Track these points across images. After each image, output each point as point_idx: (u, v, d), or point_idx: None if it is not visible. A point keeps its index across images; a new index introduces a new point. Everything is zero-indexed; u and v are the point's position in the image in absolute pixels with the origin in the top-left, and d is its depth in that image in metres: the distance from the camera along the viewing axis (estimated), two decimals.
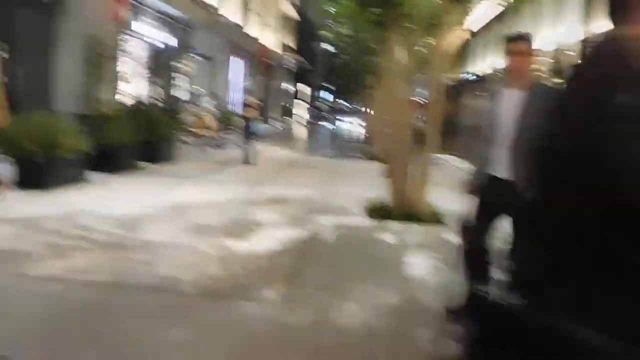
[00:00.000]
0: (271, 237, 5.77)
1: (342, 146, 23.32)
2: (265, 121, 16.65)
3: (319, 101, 74.61)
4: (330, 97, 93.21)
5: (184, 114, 16.97)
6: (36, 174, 7.21)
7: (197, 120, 15.72)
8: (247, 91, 30.66)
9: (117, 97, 14.27)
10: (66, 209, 6.25)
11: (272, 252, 5.25)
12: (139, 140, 10.49)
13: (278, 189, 9.11)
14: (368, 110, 26.76)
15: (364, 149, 19.31)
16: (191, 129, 15.82)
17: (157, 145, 11.40)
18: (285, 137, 26.42)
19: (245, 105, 13.77)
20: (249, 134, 12.87)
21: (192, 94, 15.17)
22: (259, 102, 12.99)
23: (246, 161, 12.58)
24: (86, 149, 8.18)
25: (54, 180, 7.29)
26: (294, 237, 5.83)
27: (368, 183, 10.56)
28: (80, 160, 7.99)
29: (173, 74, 21.80)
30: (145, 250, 4.94)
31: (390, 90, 9.00)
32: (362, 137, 29.48)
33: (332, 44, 16.53)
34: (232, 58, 27.16)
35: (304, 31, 54.00)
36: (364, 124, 36.68)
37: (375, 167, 13.77)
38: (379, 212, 7.39)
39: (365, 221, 6.99)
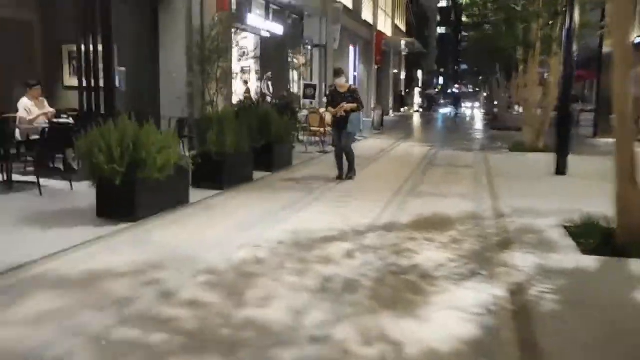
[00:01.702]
0: (448, 304, 3.58)
1: (472, 135, 20.37)
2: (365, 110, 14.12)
3: (434, 87, 70.84)
4: (445, 82, 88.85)
5: (299, 110, 15.28)
6: (117, 201, 5.64)
7: (313, 116, 13.88)
8: (357, 80, 28.73)
9: (227, 97, 12.92)
10: (149, 256, 4.52)
11: (463, 345, 3.06)
12: (252, 146, 8.80)
13: (423, 202, 6.89)
14: (508, 90, 23.40)
15: (510, 138, 16.35)
16: (307, 127, 14.05)
17: (272, 150, 9.66)
18: (402, 127, 23.98)
19: (333, 95, 8.84)
20: (345, 135, 8.67)
21: (306, 87, 13.30)
22: (352, 89, 8.63)
23: (341, 176, 8.70)
24: (186, 165, 6.53)
25: (141, 209, 5.67)
26: (487, 303, 3.59)
27: (543, 187, 8.03)
28: (178, 179, 6.34)
29: (286, 67, 20.41)
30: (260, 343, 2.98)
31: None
32: (487, 122, 26.21)
33: (471, 15, 13.72)
34: (346, 46, 25.29)
35: (417, 14, 50.87)
36: (493, 108, 33.13)
37: (541, 161, 11.19)
38: (596, 241, 4.90)
39: (585, 260, 4.55)
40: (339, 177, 8.65)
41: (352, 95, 8.55)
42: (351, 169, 8.77)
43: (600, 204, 6.78)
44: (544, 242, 5.12)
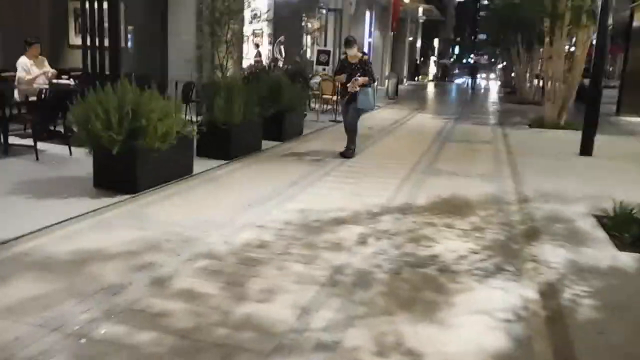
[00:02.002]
0: (473, 307, 3.20)
1: (489, 107, 19.73)
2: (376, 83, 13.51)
3: (450, 56, 69.28)
4: (461, 51, 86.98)
5: (312, 76, 14.72)
6: (114, 171, 5.26)
7: (326, 84, 13.34)
8: (370, 47, 27.89)
9: (237, 61, 12.42)
10: (144, 235, 4.16)
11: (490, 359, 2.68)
12: (262, 114, 8.37)
13: (440, 181, 6.46)
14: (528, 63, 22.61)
15: (530, 113, 15.75)
16: (320, 94, 13.54)
17: (283, 119, 9.22)
18: (417, 97, 23.32)
19: (342, 65, 7.94)
20: (353, 110, 7.87)
21: (320, 53, 12.72)
22: (364, 60, 7.64)
23: (346, 152, 7.92)
24: (190, 134, 6.12)
25: (140, 181, 5.30)
26: (516, 307, 3.21)
27: (568, 169, 7.55)
28: (181, 149, 5.95)
29: (299, 32, 19.72)
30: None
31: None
32: (504, 94, 25.43)
33: None
34: (362, 11, 24.42)
35: None
36: (510, 80, 32.17)
37: (563, 139, 10.61)
38: (633, 235, 4.48)
39: (621, 258, 4.13)
40: (346, 152, 7.88)
41: (363, 67, 7.63)
42: (349, 146, 7.93)
43: (631, 190, 6.35)
44: (574, 233, 4.70)
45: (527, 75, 22.78)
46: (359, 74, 7.53)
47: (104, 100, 5.11)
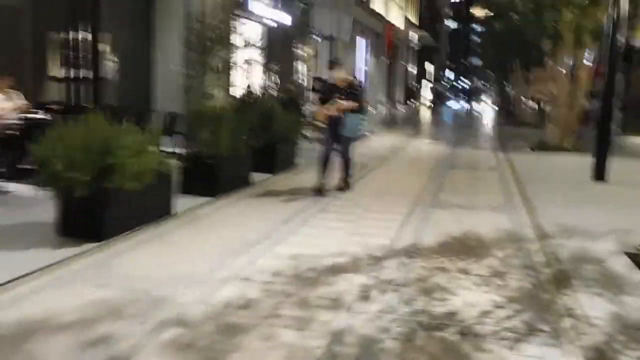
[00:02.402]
0: None
1: (487, 131, 19.24)
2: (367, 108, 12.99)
3: (445, 81, 69.47)
4: (455, 76, 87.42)
5: (306, 104, 14.25)
6: (81, 216, 4.63)
7: (320, 111, 12.81)
8: (365, 73, 27.60)
9: (228, 90, 11.95)
10: (106, 296, 3.51)
11: None
12: (252, 145, 7.81)
13: (448, 216, 5.84)
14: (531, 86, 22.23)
15: (530, 136, 15.22)
16: (314, 122, 13.01)
17: (274, 150, 8.65)
18: (413, 123, 22.87)
19: (330, 90, 7.11)
20: (344, 140, 6.99)
21: (315, 80, 12.25)
22: (355, 84, 7.06)
23: (321, 188, 6.84)
24: (169, 170, 5.52)
25: (110, 226, 4.66)
26: None
27: (584, 197, 6.92)
28: (159, 188, 5.34)
29: (292, 59, 19.33)
30: None
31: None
32: (501, 118, 24.98)
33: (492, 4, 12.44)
34: (355, 38, 24.15)
35: (428, 8, 49.49)
36: (507, 103, 31.85)
37: (571, 163, 10.06)
38: None
39: None
40: (318, 190, 6.76)
41: (353, 91, 6.87)
42: (345, 179, 7.18)
43: None
44: (608, 277, 4.07)
45: (523, 98, 22.41)
46: (344, 99, 6.78)
47: (66, 136, 4.51)
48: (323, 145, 7.08)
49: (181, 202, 5.91)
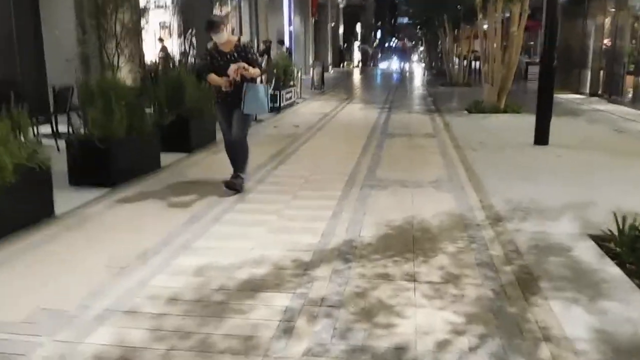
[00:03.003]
0: None
1: (421, 93, 18.72)
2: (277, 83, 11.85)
3: (372, 41, 68.86)
4: (383, 36, 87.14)
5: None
6: None
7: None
8: (283, 35, 26.35)
9: (133, 58, 10.58)
10: None
11: None
12: (158, 122, 6.73)
13: (387, 197, 5.09)
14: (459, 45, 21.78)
15: (464, 97, 14.76)
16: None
17: (188, 125, 7.56)
18: (345, 86, 22.06)
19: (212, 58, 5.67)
20: (239, 118, 5.30)
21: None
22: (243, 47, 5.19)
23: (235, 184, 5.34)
24: (43, 163, 4.38)
25: None
26: None
27: (530, 165, 6.02)
28: (31, 186, 4.21)
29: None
30: None
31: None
32: (432, 77, 24.52)
33: None
34: None
35: None
36: (438, 62, 31.46)
37: (509, 125, 9.22)
38: None
39: None
40: (232, 183, 5.31)
41: (245, 56, 5.15)
42: (238, 172, 5.41)
43: (610, 189, 5.25)
44: (580, 273, 3.41)
45: (455, 56, 22.01)
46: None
47: None
48: (223, 130, 5.55)
49: (67, 199, 4.84)
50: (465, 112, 11.81)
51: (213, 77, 5.29)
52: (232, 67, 5.04)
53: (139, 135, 5.98)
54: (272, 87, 12.00)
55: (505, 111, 11.44)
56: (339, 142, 8.36)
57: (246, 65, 5.06)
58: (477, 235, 4.06)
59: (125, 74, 8.49)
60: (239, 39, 5.34)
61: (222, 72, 5.17)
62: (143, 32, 11.22)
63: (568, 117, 11.02)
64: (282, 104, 12.55)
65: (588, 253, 3.71)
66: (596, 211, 4.57)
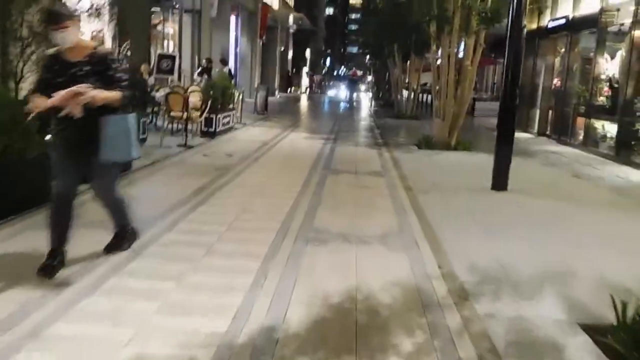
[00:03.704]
0: None
1: (368, 124, 18.04)
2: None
3: (324, 68, 68.98)
4: (332, 63, 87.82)
5: (158, 88, 11.81)
6: None
7: (174, 97, 10.53)
8: (240, 56, 25.37)
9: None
10: None
11: None
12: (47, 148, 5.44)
13: (326, 259, 4.08)
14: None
15: (412, 130, 14.10)
16: (167, 110, 10.71)
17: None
18: (290, 112, 21.17)
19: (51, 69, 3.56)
20: (100, 169, 3.62)
21: (161, 59, 9.88)
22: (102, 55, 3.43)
23: (54, 256, 3.51)
24: None
25: None
26: None
27: (491, 216, 4.94)
28: None
29: (147, 33, 16.52)
30: None
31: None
32: (379, 108, 24.02)
33: None
34: (227, 14, 21.76)
35: None
36: (386, 93, 31.22)
37: (462, 164, 8.54)
38: None
39: None
40: (48, 267, 3.43)
41: (101, 71, 3.44)
42: (122, 233, 4.00)
43: (589, 252, 4.46)
44: None
45: (403, 88, 21.57)
46: (92, 86, 3.31)
47: None
48: (57, 179, 3.57)
49: None
50: (415, 147, 11.07)
51: (37, 101, 3.34)
52: (61, 93, 3.24)
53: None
54: (207, 110, 10.92)
55: (456, 148, 10.78)
56: (275, 178, 7.30)
57: (85, 88, 3.25)
58: (440, 324, 3.08)
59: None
60: (96, 46, 3.57)
61: (58, 89, 3.29)
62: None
63: (521, 157, 10.40)
64: (217, 129, 11.43)
65: (584, 355, 2.80)
66: (580, 284, 3.73)
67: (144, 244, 4.15)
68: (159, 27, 16.71)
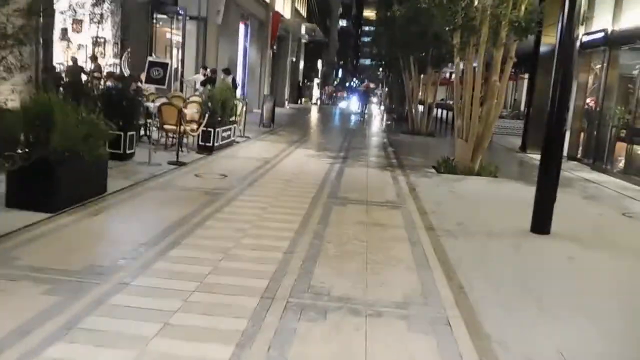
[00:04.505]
0: None
1: (381, 140, 16.88)
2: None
3: (333, 80, 68.09)
4: (344, 76, 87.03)
5: (154, 98, 10.77)
6: None
7: (167, 109, 9.47)
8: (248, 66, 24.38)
9: (27, 69, 8.36)
10: None
11: None
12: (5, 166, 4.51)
13: (324, 353, 2.94)
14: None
15: (429, 149, 12.94)
16: (160, 123, 9.67)
17: (54, 171, 5.27)
18: (298, 125, 20.10)
19: None
20: None
21: (151, 66, 8.79)
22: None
23: None
24: None
25: None
26: None
27: (535, 276, 3.68)
28: None
29: (147, 40, 15.56)
30: None
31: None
32: (391, 122, 22.81)
33: None
34: (235, 22, 20.82)
35: (319, 3, 47.21)
36: (400, 107, 30.09)
37: (490, 194, 7.32)
38: None
39: None
40: None
41: None
42: None
43: None
44: None
45: (418, 103, 20.40)
46: None
47: None
48: None
49: None
50: (433, 170, 9.91)
51: None
52: None
53: None
54: (204, 123, 9.86)
55: (479, 173, 9.61)
56: (271, 209, 6.16)
57: None
58: None
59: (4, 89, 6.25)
60: None
61: None
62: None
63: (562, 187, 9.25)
64: (216, 144, 10.36)
65: None
66: None
67: (111, 291, 3.03)
68: (167, 35, 15.82)
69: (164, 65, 8.79)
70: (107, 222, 5.13)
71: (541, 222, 5.60)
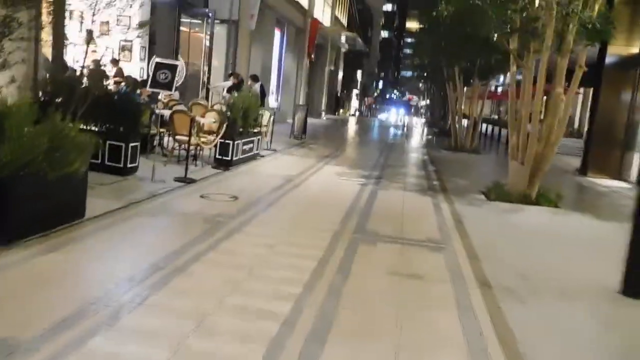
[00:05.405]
0: None
1: (421, 158, 15.46)
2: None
3: (373, 92, 66.83)
4: (384, 87, 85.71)
5: (173, 104, 9.75)
6: None
7: (179, 117, 8.40)
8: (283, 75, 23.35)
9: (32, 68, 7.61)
10: None
11: None
12: None
13: None
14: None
15: (475, 169, 11.48)
16: (173, 132, 8.60)
17: (7, 190, 4.19)
18: (332, 137, 18.86)
19: None
20: None
21: (158, 69, 7.72)
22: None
23: None
24: None
25: None
26: None
27: None
28: None
29: (174, 45, 14.70)
30: None
31: None
32: (432, 136, 21.25)
33: None
34: (271, 28, 19.87)
35: (361, 12, 46.18)
36: (442, 120, 28.56)
37: (554, 231, 5.96)
38: None
39: None
40: None
41: None
42: None
43: None
44: None
45: (463, 117, 18.88)
46: None
47: None
48: None
49: None
50: (482, 197, 8.48)
51: None
52: None
53: None
54: (221, 134, 8.76)
55: (537, 202, 8.14)
56: (280, 247, 4.91)
57: None
58: None
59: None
60: None
61: None
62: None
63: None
64: (234, 158, 9.23)
65: None
66: None
67: None
68: (195, 39, 14.93)
69: (172, 68, 7.71)
70: (62, 262, 3.98)
71: (635, 282, 4.17)
